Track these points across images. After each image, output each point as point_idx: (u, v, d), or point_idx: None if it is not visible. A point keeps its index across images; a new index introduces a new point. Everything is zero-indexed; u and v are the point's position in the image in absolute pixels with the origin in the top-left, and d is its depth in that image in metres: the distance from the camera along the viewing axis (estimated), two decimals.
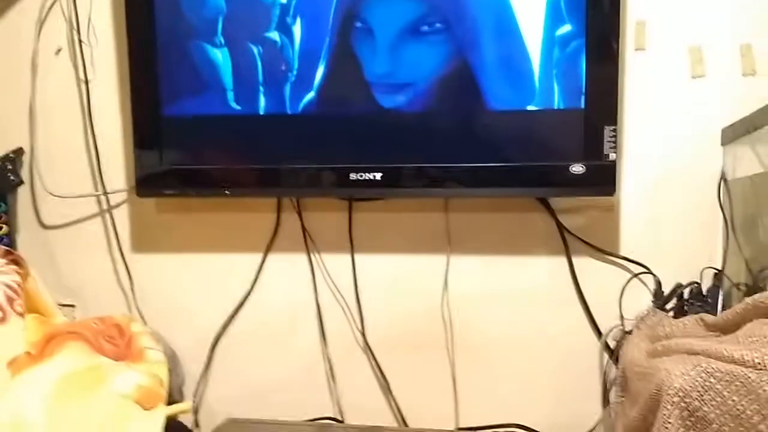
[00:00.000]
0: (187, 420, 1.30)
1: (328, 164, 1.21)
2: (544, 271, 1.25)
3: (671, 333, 0.95)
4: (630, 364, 0.93)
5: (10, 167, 1.30)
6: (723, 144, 1.15)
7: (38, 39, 1.30)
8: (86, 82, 1.29)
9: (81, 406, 1.00)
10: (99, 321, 1.19)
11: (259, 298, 1.32)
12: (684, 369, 0.75)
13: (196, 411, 1.32)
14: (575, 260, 1.23)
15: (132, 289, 1.34)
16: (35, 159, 1.32)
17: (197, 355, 1.33)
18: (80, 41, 1.29)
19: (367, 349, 1.30)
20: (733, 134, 1.12)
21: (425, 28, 1.16)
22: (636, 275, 1.20)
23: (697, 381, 0.73)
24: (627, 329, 1.13)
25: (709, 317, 0.93)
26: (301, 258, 1.31)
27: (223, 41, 1.21)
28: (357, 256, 1.29)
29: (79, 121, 1.32)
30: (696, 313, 1.03)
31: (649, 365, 0.85)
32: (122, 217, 1.35)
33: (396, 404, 1.29)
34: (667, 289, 1.16)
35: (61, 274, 1.36)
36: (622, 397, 0.97)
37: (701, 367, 0.74)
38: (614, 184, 1.13)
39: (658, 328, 0.98)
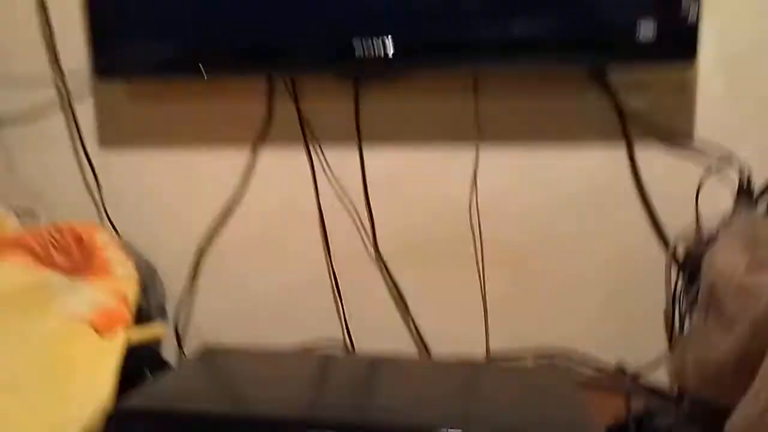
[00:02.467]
0: (169, 346, 1.12)
1: (326, 33, 0.96)
2: (598, 164, 1.00)
3: None
4: (722, 278, 0.70)
5: None
6: None
7: None
8: None
9: (18, 333, 0.81)
10: (54, 229, 0.99)
11: (249, 201, 1.11)
12: None
13: (179, 336, 1.13)
14: (637, 150, 0.99)
15: (100, 193, 1.13)
16: None
17: (180, 270, 1.13)
18: None
19: (380, 262, 1.08)
20: None
21: None
22: (715, 168, 0.96)
23: None
24: (706, 234, 0.89)
25: None
26: (298, 153, 1.08)
27: None
28: (366, 150, 1.06)
29: None
30: None
31: (755, 280, 0.62)
32: (86, 107, 1.13)
33: (415, 327, 1.08)
34: (756, 184, 0.92)
35: (19, 176, 1.16)
36: (707, 320, 0.75)
37: None
38: (695, 49, 0.87)
39: (756, 232, 0.74)
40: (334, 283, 1.10)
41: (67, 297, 0.87)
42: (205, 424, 0.65)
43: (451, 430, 0.63)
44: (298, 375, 0.82)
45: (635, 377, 0.92)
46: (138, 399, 0.70)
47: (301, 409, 0.70)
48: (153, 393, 0.72)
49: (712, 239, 0.84)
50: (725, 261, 0.71)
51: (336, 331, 1.10)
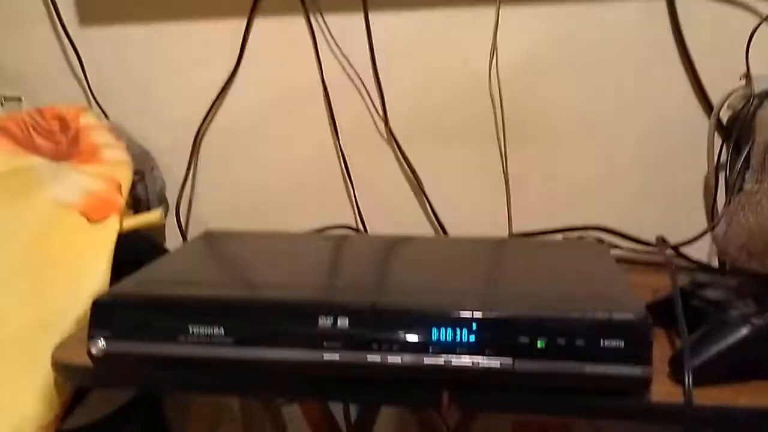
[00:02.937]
0: (172, 237, 1.06)
1: None
2: (633, 19, 0.89)
3: None
4: None
5: None
6: None
7: None
8: None
9: (0, 221, 0.75)
10: (35, 112, 0.91)
11: (246, 78, 1.01)
12: None
13: (182, 226, 1.06)
14: (678, 1, 0.87)
15: (84, 75, 1.04)
16: None
17: (178, 155, 1.05)
18: None
19: (392, 139, 0.99)
20: None
21: None
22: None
23: None
24: (758, 90, 0.79)
25: None
26: (297, 21, 0.98)
27: None
28: (372, 15, 0.95)
29: None
30: None
31: None
32: None
33: (431, 208, 1.01)
34: None
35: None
36: (761, 184, 0.66)
37: None
38: None
39: None
40: (342, 164, 1.02)
41: (54, 183, 0.80)
42: (204, 310, 0.58)
43: (475, 312, 0.57)
44: (306, 258, 0.75)
45: (677, 248, 0.85)
46: (128, 285, 0.63)
47: (311, 293, 0.64)
48: (146, 279, 0.65)
49: (765, 95, 0.75)
50: None
51: (347, 216, 1.04)
